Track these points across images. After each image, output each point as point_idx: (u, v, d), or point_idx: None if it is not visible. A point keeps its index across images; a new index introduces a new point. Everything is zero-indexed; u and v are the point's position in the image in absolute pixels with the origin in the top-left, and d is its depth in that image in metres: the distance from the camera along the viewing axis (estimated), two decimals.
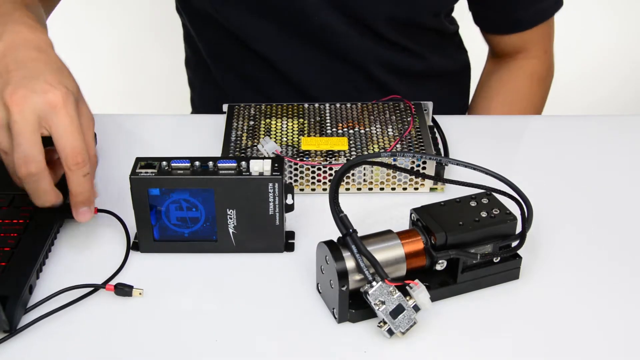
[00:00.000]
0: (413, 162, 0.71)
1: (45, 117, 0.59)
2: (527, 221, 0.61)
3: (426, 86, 0.99)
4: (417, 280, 0.56)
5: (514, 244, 0.61)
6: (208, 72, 0.99)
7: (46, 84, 0.59)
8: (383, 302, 0.55)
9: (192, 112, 1.10)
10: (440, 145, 0.77)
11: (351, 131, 0.76)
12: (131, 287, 0.61)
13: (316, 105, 0.81)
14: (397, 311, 0.55)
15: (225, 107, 0.80)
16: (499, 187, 0.62)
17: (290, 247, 0.66)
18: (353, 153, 0.72)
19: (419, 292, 0.56)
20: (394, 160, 0.71)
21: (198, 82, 1.05)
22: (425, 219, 0.60)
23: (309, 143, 0.74)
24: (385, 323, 0.56)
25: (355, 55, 0.92)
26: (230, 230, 0.64)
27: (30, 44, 0.63)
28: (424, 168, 0.72)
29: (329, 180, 0.72)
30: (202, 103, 1.07)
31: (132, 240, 0.66)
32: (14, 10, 0.66)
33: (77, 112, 0.60)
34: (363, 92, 0.95)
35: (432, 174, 0.72)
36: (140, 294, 0.61)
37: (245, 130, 0.76)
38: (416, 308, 0.56)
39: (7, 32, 0.63)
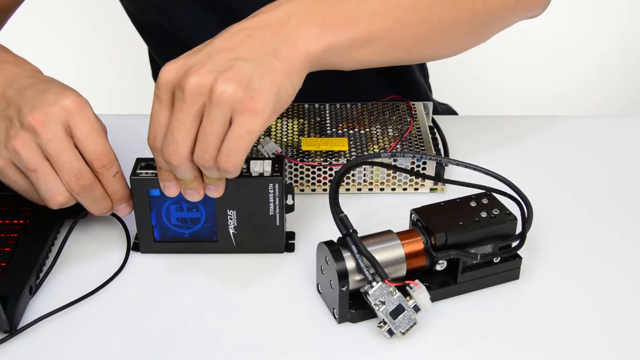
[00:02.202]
0: (413, 163, 0.71)
1: (66, 125, 0.59)
2: (527, 221, 0.61)
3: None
4: (417, 281, 0.56)
5: (514, 244, 0.61)
6: None
7: (56, 95, 0.59)
8: (383, 303, 0.55)
9: None
10: (440, 145, 0.77)
11: (351, 131, 0.76)
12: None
13: (316, 105, 0.81)
14: (397, 311, 0.55)
15: None
16: (499, 187, 0.62)
17: (290, 248, 0.66)
18: (353, 153, 0.72)
19: (419, 292, 0.56)
20: (394, 160, 0.71)
21: None
22: (425, 219, 0.60)
23: (309, 143, 0.74)
24: (385, 323, 0.56)
25: None
26: (231, 231, 0.64)
27: (21, 75, 0.63)
28: (424, 168, 0.72)
29: (329, 181, 0.72)
30: None
31: (132, 240, 0.66)
32: None
33: (94, 115, 0.61)
34: (329, 84, 0.87)
35: (432, 174, 0.72)
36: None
37: None
38: (416, 308, 0.56)
39: None
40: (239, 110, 0.53)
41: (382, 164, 0.69)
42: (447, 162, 0.67)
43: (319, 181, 0.72)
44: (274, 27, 0.57)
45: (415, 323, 0.56)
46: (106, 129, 0.62)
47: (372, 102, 0.81)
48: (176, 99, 0.55)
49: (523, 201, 0.61)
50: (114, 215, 0.67)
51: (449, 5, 0.65)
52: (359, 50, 0.61)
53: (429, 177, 0.71)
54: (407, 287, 0.56)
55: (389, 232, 0.60)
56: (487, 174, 0.61)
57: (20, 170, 0.60)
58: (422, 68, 1.06)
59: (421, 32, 0.65)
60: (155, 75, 1.00)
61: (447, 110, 1.08)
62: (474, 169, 0.61)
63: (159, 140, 0.57)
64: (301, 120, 0.78)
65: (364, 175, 0.73)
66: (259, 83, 0.54)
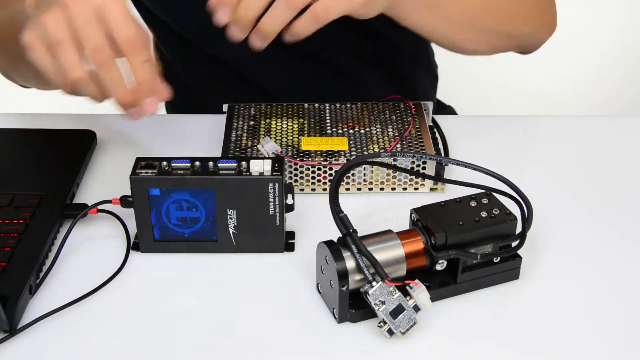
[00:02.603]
0: (413, 162, 0.71)
1: (98, 11, 0.59)
2: (527, 221, 0.61)
3: (383, 67, 0.96)
4: (417, 280, 0.56)
5: (514, 244, 0.61)
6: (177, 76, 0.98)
7: None
8: (383, 302, 0.55)
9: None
10: (440, 145, 0.77)
11: (351, 131, 0.76)
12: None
13: (316, 105, 0.81)
14: (397, 311, 0.55)
15: (225, 107, 0.80)
16: (499, 187, 0.62)
17: (290, 247, 0.66)
18: (353, 153, 0.72)
19: (419, 292, 0.56)
20: (394, 160, 0.71)
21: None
22: (425, 219, 0.60)
23: (309, 143, 0.74)
24: (385, 323, 0.56)
25: (314, 44, 0.82)
26: (231, 231, 0.64)
27: None
28: (424, 168, 0.72)
29: (329, 180, 0.72)
30: (174, 107, 1.06)
31: (132, 240, 0.66)
32: None
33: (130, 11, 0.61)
34: (327, 84, 0.92)
35: (432, 174, 0.72)
36: None
37: (245, 130, 0.76)
38: (416, 308, 0.56)
39: None
40: None
41: (382, 164, 0.69)
42: (447, 162, 0.67)
43: (319, 181, 0.72)
44: None
45: (415, 323, 0.56)
46: (149, 36, 0.62)
47: (372, 102, 0.81)
48: None
49: (523, 201, 0.61)
50: (114, 215, 0.67)
51: (501, 7, 0.80)
52: (422, 8, 0.73)
53: (429, 177, 0.71)
54: (407, 287, 0.56)
55: (389, 231, 0.60)
56: (487, 173, 0.61)
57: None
58: (431, 72, 1.06)
59: (475, 19, 0.79)
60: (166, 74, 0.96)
61: (451, 112, 1.08)
62: (474, 169, 0.61)
63: None
64: (301, 120, 0.78)
65: (364, 175, 0.73)
66: None
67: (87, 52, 0.59)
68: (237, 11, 0.63)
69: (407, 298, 0.56)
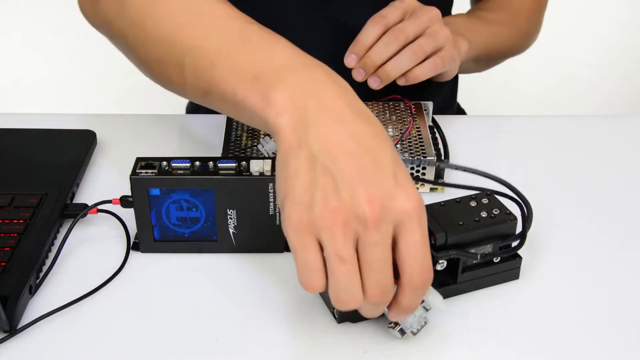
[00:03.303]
0: (412, 168, 0.71)
1: (397, 226, 0.48)
2: (527, 222, 0.61)
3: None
4: None
5: (514, 244, 0.61)
6: None
7: (396, 183, 0.48)
8: None
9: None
10: (440, 145, 0.77)
11: None
12: None
13: None
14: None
15: None
16: (499, 188, 0.62)
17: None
18: None
19: (429, 293, 0.56)
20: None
21: None
22: None
23: None
24: (397, 324, 0.56)
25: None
26: (231, 230, 0.64)
27: (344, 105, 0.50)
28: (424, 168, 0.72)
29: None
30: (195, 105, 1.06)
31: (132, 240, 0.66)
32: (278, 44, 0.55)
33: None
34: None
35: (432, 174, 0.72)
36: None
37: (245, 130, 0.76)
38: (426, 307, 0.56)
39: (308, 88, 0.51)
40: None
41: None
42: (445, 166, 0.67)
43: None
44: None
45: (426, 322, 0.56)
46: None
47: (372, 102, 0.81)
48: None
49: (523, 202, 0.61)
50: (114, 215, 0.67)
51: (513, 40, 0.94)
52: (466, 63, 0.84)
53: (428, 182, 0.71)
54: None
55: None
56: (485, 176, 0.61)
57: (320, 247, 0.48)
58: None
59: (495, 58, 0.95)
60: None
61: (457, 109, 1.08)
62: (472, 172, 0.61)
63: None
64: None
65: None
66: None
67: (367, 287, 0.49)
68: (366, 57, 0.73)
69: None
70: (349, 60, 0.74)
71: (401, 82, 0.75)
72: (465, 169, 0.60)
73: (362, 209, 0.46)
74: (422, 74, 0.75)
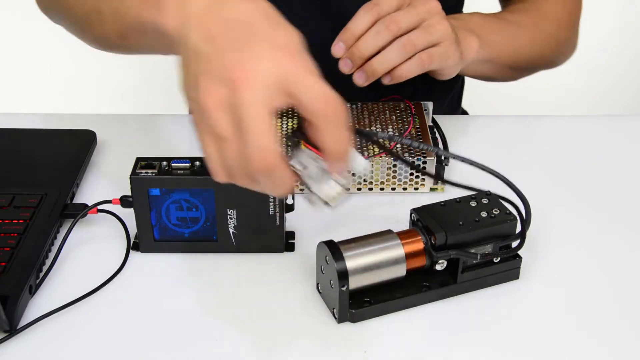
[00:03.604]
0: (413, 162, 0.71)
1: (282, 87, 0.48)
2: (526, 221, 0.61)
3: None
4: None
5: (514, 244, 0.61)
6: None
7: (271, 39, 0.49)
8: (305, 167, 0.51)
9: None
10: (440, 145, 0.77)
11: None
12: None
13: None
14: (321, 178, 0.51)
15: None
16: (498, 189, 0.62)
17: (290, 247, 0.66)
18: None
19: (353, 159, 0.51)
20: (389, 140, 0.70)
21: None
22: (425, 219, 0.60)
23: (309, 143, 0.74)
24: (314, 194, 0.52)
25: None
26: (231, 230, 0.64)
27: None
28: (424, 167, 0.72)
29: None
30: None
31: (132, 240, 0.66)
32: None
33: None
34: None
35: (432, 172, 0.72)
36: None
37: None
38: (351, 170, 0.52)
39: None
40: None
41: (375, 142, 0.68)
42: (445, 155, 0.67)
43: None
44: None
45: (347, 189, 0.52)
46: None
47: (372, 102, 0.81)
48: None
49: (521, 199, 0.61)
50: (114, 215, 0.67)
51: (531, 58, 0.89)
52: (481, 64, 0.81)
53: (429, 175, 0.71)
54: None
55: (389, 231, 0.60)
56: (484, 169, 0.60)
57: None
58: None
59: (517, 64, 0.88)
60: None
61: (461, 111, 1.08)
62: (472, 164, 0.60)
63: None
64: (301, 120, 0.78)
65: (365, 174, 0.72)
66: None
67: (250, 154, 0.48)
68: (354, 47, 0.68)
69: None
70: (336, 49, 0.69)
71: (386, 81, 0.71)
72: (463, 160, 0.60)
73: (228, 74, 0.47)
74: (407, 72, 0.70)
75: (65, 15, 0.75)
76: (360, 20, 0.69)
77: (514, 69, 0.89)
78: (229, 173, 0.50)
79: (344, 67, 0.69)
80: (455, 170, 0.75)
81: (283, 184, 0.50)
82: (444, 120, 0.83)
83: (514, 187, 0.61)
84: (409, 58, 0.69)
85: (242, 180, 0.50)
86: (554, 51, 0.91)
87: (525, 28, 0.87)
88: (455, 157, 0.60)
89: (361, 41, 0.68)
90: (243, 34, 0.49)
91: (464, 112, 1.09)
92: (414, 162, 0.71)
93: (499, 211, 0.61)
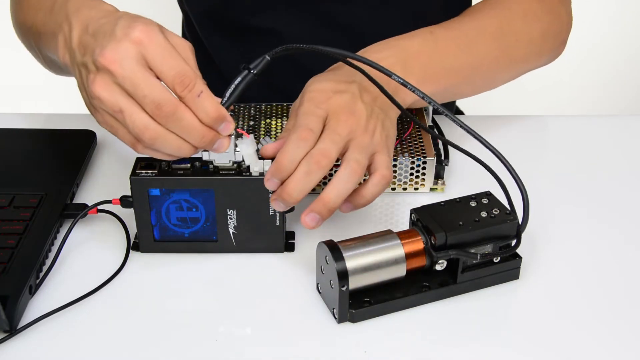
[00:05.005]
0: (413, 163, 0.71)
1: (140, 57, 0.56)
2: (524, 207, 0.60)
3: None
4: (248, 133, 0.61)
5: (514, 243, 0.61)
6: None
7: (123, 29, 0.57)
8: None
9: None
10: (440, 145, 0.77)
11: None
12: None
13: None
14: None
15: None
16: (497, 190, 0.62)
17: (290, 247, 0.66)
18: None
19: (241, 142, 0.61)
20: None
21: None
22: (425, 219, 0.60)
23: None
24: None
25: (350, 22, 0.86)
26: (231, 231, 0.64)
27: (95, 18, 0.61)
28: (424, 168, 0.72)
29: (329, 181, 0.72)
30: None
31: (132, 240, 0.66)
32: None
33: (167, 38, 0.58)
34: None
35: (432, 173, 0.72)
36: None
37: (245, 130, 0.76)
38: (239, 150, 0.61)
39: (72, 17, 0.62)
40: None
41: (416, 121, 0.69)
42: (442, 140, 0.67)
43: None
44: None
45: (243, 160, 0.61)
46: (190, 47, 0.60)
47: None
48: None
49: (518, 187, 0.60)
50: (114, 215, 0.67)
51: (500, 65, 0.80)
52: (438, 95, 0.72)
53: (428, 172, 0.71)
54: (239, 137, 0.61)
55: (389, 232, 0.60)
56: (484, 144, 0.60)
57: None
58: None
59: (478, 84, 0.80)
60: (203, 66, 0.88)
61: (456, 110, 1.08)
62: (474, 136, 0.60)
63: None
64: None
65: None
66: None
67: (149, 112, 0.57)
68: (286, 192, 0.60)
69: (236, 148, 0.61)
70: (270, 184, 0.61)
71: (346, 210, 0.64)
72: (461, 125, 0.60)
73: (100, 62, 0.57)
74: (369, 193, 0.64)
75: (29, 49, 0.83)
76: (291, 154, 0.61)
77: (486, 80, 0.80)
78: (140, 138, 0.58)
79: (278, 207, 0.62)
80: (455, 170, 0.75)
81: (191, 125, 0.57)
82: (444, 120, 0.83)
83: (513, 172, 0.60)
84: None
85: (154, 137, 0.57)
86: (529, 51, 0.81)
87: (488, 33, 0.77)
88: (454, 119, 0.60)
89: (291, 185, 0.60)
90: (105, 30, 0.59)
91: (459, 112, 1.08)
92: (412, 173, 0.71)
93: (499, 211, 0.61)
